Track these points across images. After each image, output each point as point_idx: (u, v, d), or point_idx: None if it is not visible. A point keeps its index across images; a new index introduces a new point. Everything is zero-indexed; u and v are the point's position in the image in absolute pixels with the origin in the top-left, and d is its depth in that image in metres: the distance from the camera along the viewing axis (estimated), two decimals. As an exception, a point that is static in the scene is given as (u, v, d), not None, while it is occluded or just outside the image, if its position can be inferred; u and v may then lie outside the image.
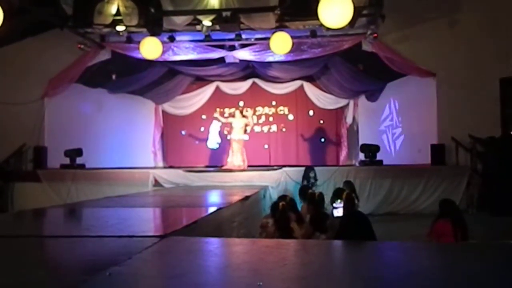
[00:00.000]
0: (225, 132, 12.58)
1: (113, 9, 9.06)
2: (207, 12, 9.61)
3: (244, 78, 13.07)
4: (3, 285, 1.80)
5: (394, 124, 12.25)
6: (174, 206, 5.55)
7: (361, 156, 11.51)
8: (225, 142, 12.62)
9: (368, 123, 12.79)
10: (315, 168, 10.16)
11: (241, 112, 12.09)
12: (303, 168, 10.16)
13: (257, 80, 13.09)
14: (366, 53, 11.19)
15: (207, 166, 12.73)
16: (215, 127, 12.90)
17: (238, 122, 11.66)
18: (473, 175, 10.04)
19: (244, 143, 11.60)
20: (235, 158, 11.31)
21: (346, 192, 6.14)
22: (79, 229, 3.82)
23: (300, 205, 7.02)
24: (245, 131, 11.75)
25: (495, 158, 9.63)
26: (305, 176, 9.67)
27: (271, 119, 13.69)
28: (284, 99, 13.54)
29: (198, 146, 13.49)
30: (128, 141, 12.71)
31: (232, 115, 12.45)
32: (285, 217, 5.05)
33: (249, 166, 11.45)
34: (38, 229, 3.96)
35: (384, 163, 10.97)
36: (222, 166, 11.83)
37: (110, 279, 1.83)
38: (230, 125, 11.85)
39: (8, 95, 10.65)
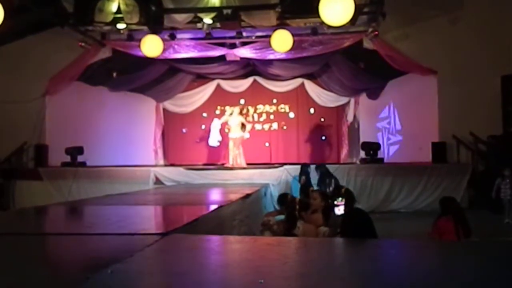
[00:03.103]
0: (226, 130, 12.58)
1: (113, 7, 9.07)
2: (208, 10, 9.62)
3: (245, 76, 13.07)
4: (5, 283, 1.80)
5: (395, 122, 12.23)
6: (175, 204, 5.56)
7: (362, 154, 11.50)
8: (226, 140, 12.61)
9: (369, 121, 12.78)
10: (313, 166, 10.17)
11: (241, 110, 12.09)
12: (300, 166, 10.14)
13: (258, 78, 13.08)
14: (367, 51, 11.19)
15: (208, 164, 12.73)
16: (216, 125, 12.90)
17: (234, 120, 11.66)
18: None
19: (242, 141, 11.59)
20: (231, 156, 11.34)
21: (345, 188, 6.16)
22: (81, 227, 3.82)
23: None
24: (243, 129, 11.75)
25: (496, 156, 9.63)
26: (303, 172, 9.61)
27: (272, 117, 13.67)
28: (285, 97, 13.52)
29: (199, 144, 13.48)
30: (129, 139, 12.70)
31: (229, 115, 12.43)
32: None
33: (250, 164, 11.46)
34: (39, 227, 3.96)
35: (385, 161, 10.96)
36: (223, 164, 11.83)
37: (112, 277, 1.83)
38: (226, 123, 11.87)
39: (9, 94, 10.66)
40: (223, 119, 12.02)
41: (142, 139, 13.10)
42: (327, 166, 9.68)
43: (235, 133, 11.57)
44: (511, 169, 8.48)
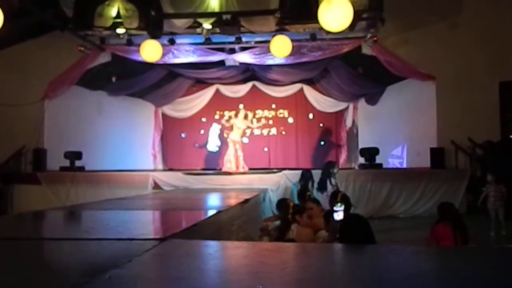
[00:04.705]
0: (225, 135, 12.58)
1: (113, 12, 9.10)
2: (208, 15, 9.64)
3: (244, 81, 13.10)
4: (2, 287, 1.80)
5: (394, 128, 12.24)
6: (173, 209, 5.55)
7: (361, 159, 11.51)
8: (225, 145, 12.62)
9: (367, 126, 12.79)
10: (314, 171, 10.17)
11: (245, 115, 12.11)
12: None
13: (257, 83, 13.11)
14: (366, 57, 11.22)
15: (206, 169, 12.72)
16: (214, 130, 12.92)
17: (241, 124, 11.67)
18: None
19: (242, 146, 11.61)
20: (236, 159, 11.32)
21: (342, 193, 6.16)
22: (79, 232, 3.81)
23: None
24: (244, 134, 11.79)
25: (494, 162, 9.63)
26: (304, 177, 9.60)
27: (271, 122, 13.69)
28: (284, 102, 13.56)
29: (198, 149, 13.49)
30: (128, 143, 12.71)
31: (234, 116, 12.41)
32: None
33: (249, 169, 11.46)
34: (37, 231, 3.95)
35: (384, 166, 10.97)
36: (221, 168, 11.83)
37: (110, 282, 1.83)
38: (231, 126, 11.84)
39: (8, 97, 10.64)
40: (232, 121, 11.94)
41: (141, 143, 13.11)
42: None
43: (238, 136, 11.56)
44: (494, 175, 8.02)
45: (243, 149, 11.67)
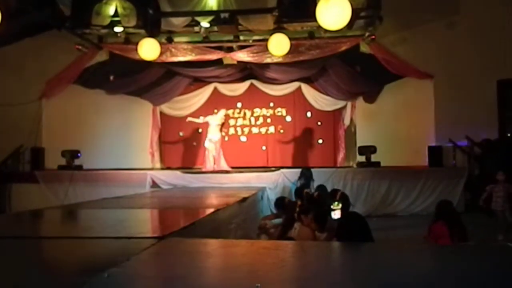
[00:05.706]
0: (223, 134, 12.53)
1: (111, 10, 9.10)
2: (205, 13, 9.63)
3: (242, 80, 13.07)
4: (1, 287, 1.80)
5: (392, 126, 12.24)
6: (171, 208, 5.56)
7: (359, 157, 11.51)
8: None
9: (365, 124, 12.78)
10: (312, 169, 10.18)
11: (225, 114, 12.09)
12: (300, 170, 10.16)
13: (255, 82, 13.08)
14: (364, 55, 11.22)
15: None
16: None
17: (215, 120, 11.57)
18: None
19: (221, 144, 11.57)
20: (214, 160, 11.28)
21: (340, 192, 6.17)
22: (77, 231, 3.82)
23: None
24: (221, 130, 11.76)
25: (492, 160, 9.65)
26: (305, 175, 9.62)
27: (268, 120, 13.66)
28: (282, 101, 13.53)
29: (196, 147, 13.47)
30: (126, 142, 12.68)
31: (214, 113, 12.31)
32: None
33: (247, 167, 11.46)
34: (35, 230, 3.96)
35: (382, 165, 10.98)
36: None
37: (108, 281, 1.83)
38: (206, 123, 11.72)
39: (5, 96, 10.62)
40: (207, 118, 11.85)
41: (138, 142, 13.08)
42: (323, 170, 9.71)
43: (215, 135, 11.47)
44: (505, 173, 7.36)
45: (240, 148, 11.63)
